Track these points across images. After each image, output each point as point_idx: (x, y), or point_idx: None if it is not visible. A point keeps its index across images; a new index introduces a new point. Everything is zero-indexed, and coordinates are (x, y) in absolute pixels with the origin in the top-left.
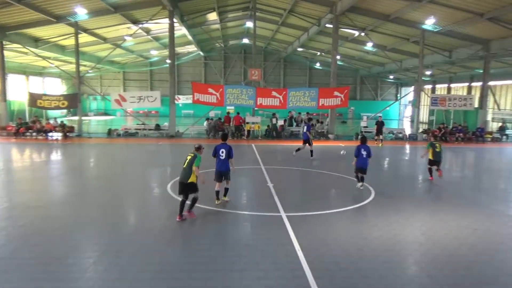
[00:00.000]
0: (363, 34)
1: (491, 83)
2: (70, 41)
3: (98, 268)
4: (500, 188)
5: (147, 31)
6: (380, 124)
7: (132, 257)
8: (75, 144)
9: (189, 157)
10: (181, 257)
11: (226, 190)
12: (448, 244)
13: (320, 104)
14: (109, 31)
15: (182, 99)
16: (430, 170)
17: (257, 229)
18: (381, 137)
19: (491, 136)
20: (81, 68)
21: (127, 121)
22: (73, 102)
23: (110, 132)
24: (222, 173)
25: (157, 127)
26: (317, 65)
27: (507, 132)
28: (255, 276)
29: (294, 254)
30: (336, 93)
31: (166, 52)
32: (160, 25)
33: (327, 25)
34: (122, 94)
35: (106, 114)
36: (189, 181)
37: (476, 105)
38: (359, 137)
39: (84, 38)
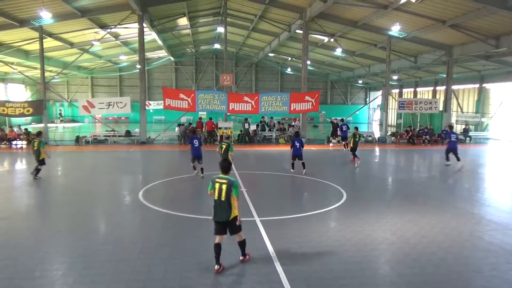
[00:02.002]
0: (332, 40)
1: (454, 87)
2: (35, 46)
3: (68, 280)
4: (465, 188)
5: (116, 36)
6: (335, 126)
7: (102, 268)
8: None
9: (224, 146)
10: (153, 265)
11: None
12: (417, 243)
13: (292, 109)
14: (76, 36)
15: (153, 105)
16: (354, 155)
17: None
18: (337, 139)
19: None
20: (47, 73)
21: (96, 128)
22: (39, 108)
23: (78, 140)
24: (196, 157)
25: (128, 133)
26: (288, 70)
27: (470, 134)
28: (229, 280)
29: (268, 258)
30: (307, 97)
31: (135, 57)
32: (129, 30)
33: (297, 31)
34: (90, 100)
35: (74, 121)
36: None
37: (441, 108)
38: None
39: (49, 42)
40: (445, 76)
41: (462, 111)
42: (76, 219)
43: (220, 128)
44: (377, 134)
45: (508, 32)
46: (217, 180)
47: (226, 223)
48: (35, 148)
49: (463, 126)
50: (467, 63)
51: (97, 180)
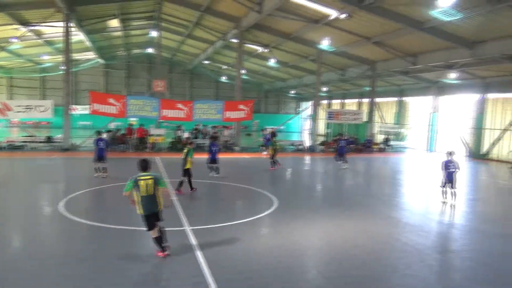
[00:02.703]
0: (266, 50)
1: (377, 99)
2: None
3: None
4: (385, 193)
5: (39, 34)
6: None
7: (15, 286)
8: None
9: (185, 150)
10: (74, 280)
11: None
12: (342, 247)
13: (226, 117)
14: None
15: (79, 109)
16: (272, 162)
17: None
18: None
19: (377, 147)
20: None
21: (12, 133)
22: None
23: None
24: (100, 158)
25: (49, 139)
26: (224, 79)
27: (391, 143)
28: None
29: (198, 267)
30: (241, 106)
31: (60, 58)
32: (54, 29)
33: (233, 40)
34: (7, 103)
35: None
36: (186, 167)
37: (365, 119)
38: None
39: None
40: (369, 89)
41: (384, 122)
42: None
43: (151, 135)
44: (307, 143)
45: (424, 51)
46: (141, 178)
47: (156, 214)
48: None
49: (384, 136)
50: (388, 78)
51: (10, 190)
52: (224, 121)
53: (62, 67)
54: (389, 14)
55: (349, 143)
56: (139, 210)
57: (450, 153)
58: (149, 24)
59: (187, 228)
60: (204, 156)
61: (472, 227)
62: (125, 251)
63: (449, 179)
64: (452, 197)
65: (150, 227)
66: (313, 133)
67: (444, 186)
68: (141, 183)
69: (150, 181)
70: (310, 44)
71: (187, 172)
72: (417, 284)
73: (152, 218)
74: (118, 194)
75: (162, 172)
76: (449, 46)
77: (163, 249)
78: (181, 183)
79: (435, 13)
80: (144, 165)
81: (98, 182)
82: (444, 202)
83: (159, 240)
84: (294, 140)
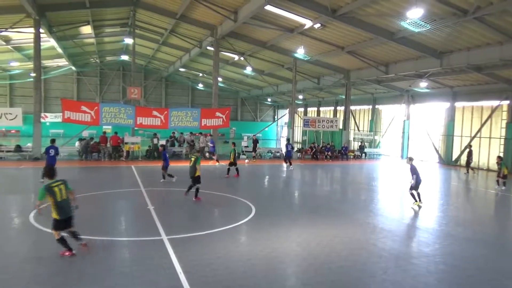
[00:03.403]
0: (242, 58)
1: (352, 107)
2: None
3: None
4: (361, 199)
5: (7, 40)
6: (255, 142)
7: None
8: None
9: (193, 158)
10: None
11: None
12: (320, 253)
13: (203, 124)
14: None
15: (50, 117)
16: (228, 170)
17: (135, 255)
18: (253, 154)
19: (353, 154)
20: None
21: None
22: None
23: None
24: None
25: (18, 148)
26: (200, 86)
27: (366, 150)
28: None
29: (175, 277)
30: (218, 113)
31: (30, 64)
32: (24, 35)
33: (209, 48)
34: None
35: None
36: (196, 175)
37: (341, 126)
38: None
39: None
40: (344, 97)
41: (358, 130)
42: None
43: (126, 143)
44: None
45: (395, 61)
46: (53, 185)
47: (70, 217)
48: None
49: (359, 143)
50: (362, 86)
51: None
52: (202, 128)
53: (32, 74)
54: (362, 24)
55: (327, 150)
56: (55, 215)
57: (410, 159)
58: (123, 31)
59: (164, 238)
60: (179, 164)
61: (445, 232)
62: (98, 263)
63: (419, 182)
64: (419, 198)
65: (60, 229)
66: (290, 140)
67: (413, 189)
68: (55, 189)
69: (62, 186)
70: (285, 52)
71: (198, 179)
72: None
73: (66, 222)
74: (91, 203)
75: (137, 181)
76: (419, 56)
77: (69, 249)
78: (197, 190)
79: (405, 24)
80: (52, 173)
81: None
82: (419, 206)
83: (63, 241)
84: (272, 147)
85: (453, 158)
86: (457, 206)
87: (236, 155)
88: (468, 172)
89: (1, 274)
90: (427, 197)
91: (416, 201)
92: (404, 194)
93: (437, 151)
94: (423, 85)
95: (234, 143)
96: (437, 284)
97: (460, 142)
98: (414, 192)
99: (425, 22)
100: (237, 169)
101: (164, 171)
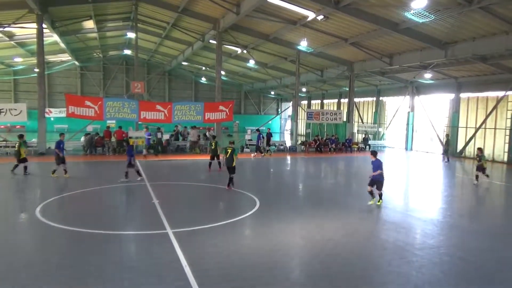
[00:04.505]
0: (245, 51)
1: (355, 99)
2: None
3: None
4: (365, 192)
5: (10, 36)
6: (269, 136)
7: None
8: None
9: (229, 150)
10: None
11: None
12: (324, 246)
13: (206, 118)
14: None
15: (55, 113)
16: (219, 163)
17: (141, 249)
18: (267, 148)
19: (357, 146)
20: None
21: None
22: None
23: None
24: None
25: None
26: (203, 80)
27: (370, 142)
28: None
29: (181, 270)
30: (221, 107)
31: (34, 60)
32: (27, 30)
33: (211, 41)
34: None
35: None
36: (233, 165)
37: (344, 119)
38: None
39: None
40: (347, 89)
41: (362, 122)
42: None
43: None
44: (288, 143)
45: (399, 52)
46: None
47: (229, 167)
48: None
49: (363, 135)
50: (366, 78)
51: None
52: (205, 122)
53: (36, 70)
54: (365, 15)
55: (331, 142)
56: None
57: (374, 153)
58: (125, 25)
59: (169, 231)
60: (183, 158)
61: (450, 223)
62: (104, 256)
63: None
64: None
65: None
66: (294, 133)
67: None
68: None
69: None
70: (289, 45)
71: (234, 169)
72: (399, 280)
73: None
74: (96, 198)
75: (143, 175)
76: (424, 47)
77: None
78: (231, 180)
79: (409, 14)
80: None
81: (75, 186)
82: (377, 205)
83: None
84: (276, 140)
85: (458, 150)
86: (462, 198)
87: (214, 147)
88: (448, 160)
89: (9, 269)
90: (431, 189)
91: (373, 198)
92: (408, 186)
93: (441, 143)
94: (427, 76)
95: (214, 136)
96: (442, 276)
97: (465, 134)
98: (372, 188)
99: (429, 12)
100: (219, 163)
101: (127, 169)
